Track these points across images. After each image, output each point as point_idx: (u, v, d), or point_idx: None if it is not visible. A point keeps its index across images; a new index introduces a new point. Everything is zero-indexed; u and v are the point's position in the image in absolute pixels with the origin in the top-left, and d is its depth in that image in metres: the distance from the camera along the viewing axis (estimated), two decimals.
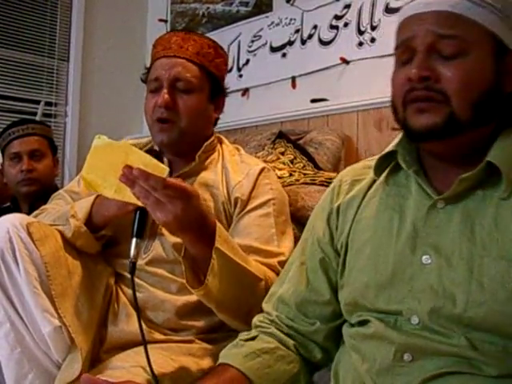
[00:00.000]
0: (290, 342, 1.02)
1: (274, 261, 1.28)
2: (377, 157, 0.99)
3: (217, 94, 1.45)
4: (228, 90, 1.52)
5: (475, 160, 0.86)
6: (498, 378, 0.79)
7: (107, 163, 1.07)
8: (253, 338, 1.03)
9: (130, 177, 1.00)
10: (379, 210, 0.96)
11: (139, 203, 1.07)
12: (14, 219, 1.23)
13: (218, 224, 1.13)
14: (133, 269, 1.04)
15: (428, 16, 0.85)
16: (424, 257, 0.87)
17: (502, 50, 0.86)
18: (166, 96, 1.35)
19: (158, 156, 1.28)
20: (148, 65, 1.48)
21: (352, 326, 0.97)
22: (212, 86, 1.43)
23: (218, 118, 1.51)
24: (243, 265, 1.17)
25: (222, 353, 1.02)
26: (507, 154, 0.85)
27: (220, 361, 1.00)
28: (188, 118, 1.37)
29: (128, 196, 1.08)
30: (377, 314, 0.90)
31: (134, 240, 1.05)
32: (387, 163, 0.98)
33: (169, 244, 1.32)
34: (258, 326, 1.06)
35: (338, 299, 1.01)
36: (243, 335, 1.05)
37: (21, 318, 1.20)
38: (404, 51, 0.89)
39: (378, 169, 0.98)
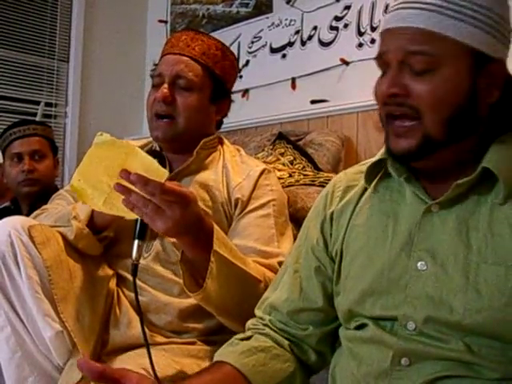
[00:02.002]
0: (285, 342, 1.02)
1: (273, 261, 1.28)
2: (368, 164, 0.98)
3: (220, 96, 1.44)
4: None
5: (468, 165, 0.86)
6: (496, 382, 0.79)
7: (103, 166, 1.02)
8: (248, 338, 1.03)
9: (127, 181, 0.98)
10: (373, 216, 0.95)
11: (129, 216, 1.04)
12: (16, 222, 1.22)
13: (216, 226, 1.13)
14: (135, 271, 1.03)
15: (400, 32, 0.85)
16: (419, 263, 0.86)
17: (482, 60, 0.84)
18: (165, 90, 1.36)
19: (160, 156, 1.28)
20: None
21: (349, 329, 0.97)
22: (215, 87, 1.42)
23: (221, 121, 1.51)
24: (242, 267, 1.16)
25: (218, 352, 1.02)
26: (503, 159, 0.85)
27: (215, 359, 1.00)
28: (185, 115, 1.37)
29: (117, 208, 1.04)
30: (374, 319, 0.90)
31: (135, 242, 1.04)
32: (379, 169, 0.97)
33: (170, 244, 1.32)
34: (252, 328, 1.06)
35: (333, 305, 1.00)
36: (238, 335, 1.04)
37: (22, 322, 1.19)
38: (381, 63, 0.90)
39: (369, 177, 0.97)
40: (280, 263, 1.26)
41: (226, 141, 1.52)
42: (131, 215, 1.04)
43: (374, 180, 0.98)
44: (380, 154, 0.96)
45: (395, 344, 0.85)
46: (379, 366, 0.86)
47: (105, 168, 1.01)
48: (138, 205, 1.00)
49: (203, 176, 1.40)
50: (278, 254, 1.30)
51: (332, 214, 1.01)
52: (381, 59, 0.89)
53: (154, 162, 1.01)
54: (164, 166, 1.24)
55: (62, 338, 1.19)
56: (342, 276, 0.98)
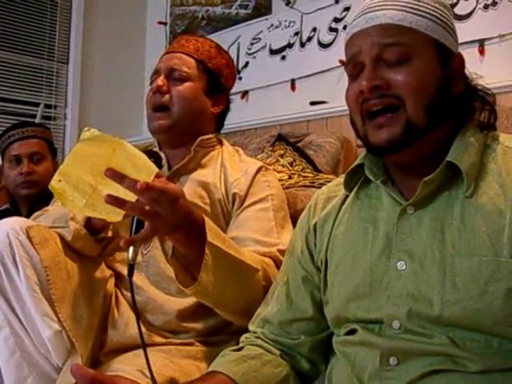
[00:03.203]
0: (277, 352, 1.04)
1: (273, 249, 1.28)
2: (346, 171, 1.00)
3: (215, 89, 1.47)
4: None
5: (437, 163, 0.88)
6: (482, 374, 0.80)
7: (87, 163, 0.97)
8: (239, 349, 1.05)
9: (112, 180, 0.95)
10: (353, 224, 0.97)
11: (111, 219, 1.02)
12: (14, 223, 1.21)
13: (206, 218, 1.12)
14: (131, 271, 1.03)
15: (371, 30, 0.90)
16: (399, 263, 0.88)
17: (445, 54, 0.90)
18: (160, 82, 1.40)
19: (155, 156, 1.27)
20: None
21: (340, 335, 0.98)
22: (210, 80, 1.45)
23: (221, 120, 1.52)
24: (238, 257, 1.15)
25: (212, 364, 1.03)
26: (465, 152, 0.88)
27: (209, 370, 1.01)
28: (180, 103, 1.40)
29: (100, 210, 1.00)
30: (361, 323, 0.92)
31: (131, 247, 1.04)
32: (357, 177, 1.00)
33: (168, 241, 1.32)
34: (244, 341, 1.08)
35: (323, 314, 1.02)
36: (230, 348, 1.06)
37: (20, 322, 1.19)
38: (353, 67, 0.93)
39: (349, 183, 1.00)
40: (280, 251, 1.26)
41: (225, 142, 1.53)
42: (113, 218, 1.02)
43: (354, 187, 1.01)
44: (358, 159, 0.99)
45: (382, 344, 0.87)
46: (370, 367, 0.88)
47: (89, 166, 0.98)
48: (125, 205, 0.98)
49: (201, 174, 1.41)
50: (277, 243, 1.30)
51: (315, 224, 1.05)
52: (352, 63, 0.93)
53: (142, 157, 0.97)
54: (160, 166, 1.24)
55: (60, 338, 1.19)
56: (328, 284, 1.00)
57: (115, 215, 1.01)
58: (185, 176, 1.40)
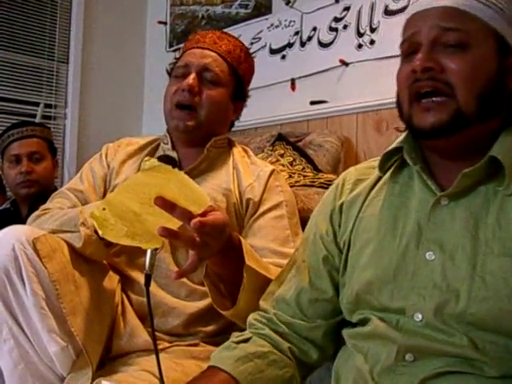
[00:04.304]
0: (285, 345, 1.02)
1: None
2: (384, 152, 0.99)
3: (239, 96, 1.46)
4: None
5: (479, 156, 0.86)
6: (499, 379, 0.79)
7: (137, 192, 0.96)
8: (246, 340, 1.02)
9: (162, 208, 0.93)
10: (383, 209, 0.96)
11: (147, 247, 0.99)
12: (20, 234, 1.18)
13: (242, 240, 1.12)
14: (148, 281, 0.99)
15: (432, 12, 0.88)
16: (428, 253, 0.87)
17: (504, 48, 0.88)
18: (192, 80, 1.36)
19: (172, 162, 1.25)
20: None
21: (352, 326, 0.97)
22: (236, 86, 1.44)
23: (233, 122, 1.53)
24: (267, 276, 1.15)
25: (213, 354, 1.01)
26: (509, 149, 0.86)
27: (211, 363, 0.99)
28: (208, 108, 1.37)
29: (139, 239, 0.98)
30: (379, 312, 0.90)
31: (149, 250, 1.00)
32: (391, 161, 0.99)
33: (181, 249, 1.31)
34: (253, 325, 1.05)
35: (339, 298, 1.01)
36: (236, 336, 1.04)
37: (25, 334, 1.17)
38: (409, 46, 0.91)
39: (383, 165, 0.99)
40: None
41: (234, 141, 1.53)
42: (151, 246, 1.00)
43: (388, 171, 0.99)
44: (396, 142, 0.97)
45: (400, 339, 0.86)
46: (383, 361, 0.87)
47: (139, 194, 0.96)
48: (179, 237, 0.97)
49: (215, 177, 1.40)
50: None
51: (342, 205, 1.03)
52: (408, 42, 0.91)
53: (198, 190, 0.96)
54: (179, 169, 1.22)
55: (67, 353, 1.17)
56: (348, 266, 0.98)
57: (154, 243, 0.99)
58: (198, 178, 1.37)
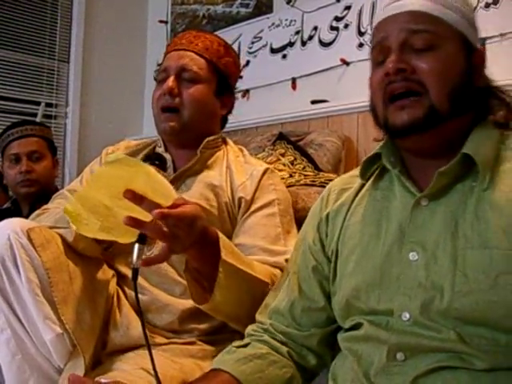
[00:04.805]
0: (284, 349, 1.03)
1: (280, 259, 1.28)
2: (363, 159, 1.01)
3: (224, 90, 1.46)
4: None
5: (454, 155, 0.89)
6: (488, 372, 0.80)
7: (107, 186, 0.97)
8: (245, 345, 1.04)
9: (131, 201, 0.94)
10: (366, 215, 0.98)
11: (124, 241, 1.01)
12: (15, 225, 1.20)
13: (220, 234, 1.12)
14: (135, 275, 1.00)
15: (400, 16, 0.92)
16: (411, 254, 0.89)
17: (469, 48, 0.93)
18: (171, 83, 1.38)
19: (160, 159, 1.26)
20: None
21: (346, 330, 0.98)
22: (219, 81, 1.44)
23: (225, 118, 1.52)
24: (250, 272, 1.15)
25: (215, 360, 1.03)
26: (481, 145, 0.89)
27: (212, 367, 1.01)
28: (191, 106, 1.38)
29: (113, 233, 1.00)
30: (369, 316, 0.92)
31: (136, 245, 1.00)
32: (373, 168, 1.01)
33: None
34: (251, 335, 1.07)
35: (332, 306, 1.02)
36: (236, 343, 1.05)
37: (22, 324, 1.18)
38: (379, 51, 0.95)
39: (364, 172, 1.01)
40: (287, 260, 1.26)
41: (229, 141, 1.53)
42: (126, 239, 1.01)
43: (370, 178, 1.01)
44: (375, 149, 0.99)
45: (390, 339, 0.87)
46: (376, 362, 0.88)
47: (109, 188, 0.98)
48: (144, 226, 0.97)
49: (207, 176, 1.40)
50: (284, 251, 1.30)
51: (328, 215, 1.05)
52: (378, 47, 0.95)
53: (164, 182, 0.98)
54: (164, 169, 1.23)
55: (62, 340, 1.18)
56: (337, 274, 1.00)
57: (129, 237, 1.01)
58: (191, 178, 1.39)
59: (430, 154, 0.93)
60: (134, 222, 0.95)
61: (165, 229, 0.98)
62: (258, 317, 1.10)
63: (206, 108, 1.42)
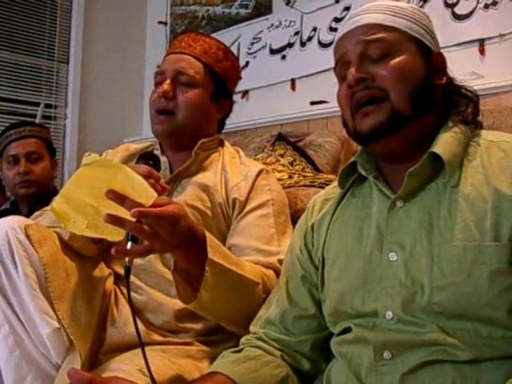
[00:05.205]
0: (277, 353, 1.05)
1: (273, 259, 1.28)
2: (340, 170, 1.05)
3: (221, 95, 1.46)
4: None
5: (423, 155, 0.91)
6: (472, 363, 0.82)
7: (89, 187, 1.00)
8: (239, 351, 1.06)
9: (113, 201, 0.96)
10: (349, 222, 1.01)
11: (112, 238, 1.03)
12: (12, 222, 1.21)
13: (208, 234, 1.12)
14: (127, 273, 1.02)
15: (355, 31, 0.98)
16: (390, 254, 0.91)
17: (426, 50, 0.97)
18: (166, 86, 1.38)
19: (153, 159, 1.27)
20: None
21: (337, 335, 1.00)
22: (216, 85, 1.44)
23: (223, 121, 1.52)
24: (238, 271, 1.15)
25: (211, 367, 1.04)
26: (449, 144, 0.92)
27: (208, 371, 1.02)
28: (185, 110, 1.39)
29: (101, 231, 1.02)
30: (356, 319, 0.94)
31: (129, 244, 1.01)
32: (352, 177, 1.04)
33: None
34: (245, 343, 1.09)
35: (322, 313, 1.04)
36: (230, 349, 1.07)
37: (19, 320, 1.19)
38: (341, 67, 0.99)
39: (343, 181, 1.04)
40: (280, 261, 1.26)
41: (226, 142, 1.53)
42: (115, 237, 1.03)
43: (350, 188, 1.05)
44: (352, 158, 1.03)
45: (375, 338, 0.89)
46: (365, 363, 0.90)
47: (91, 189, 1.00)
48: (125, 224, 0.99)
49: (202, 177, 1.40)
50: (278, 252, 1.30)
51: (313, 225, 1.09)
52: (340, 64, 1.00)
53: (142, 182, 0.99)
54: (158, 169, 1.24)
55: (59, 336, 1.18)
56: (325, 282, 1.03)
57: (117, 235, 1.03)
58: (186, 179, 1.40)
59: (401, 157, 0.96)
60: (113, 220, 0.97)
61: (146, 227, 0.98)
62: (251, 328, 1.12)
63: (201, 112, 1.42)
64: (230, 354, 1.04)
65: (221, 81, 1.45)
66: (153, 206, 0.99)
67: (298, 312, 1.06)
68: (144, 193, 0.98)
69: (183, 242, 1.05)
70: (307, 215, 1.12)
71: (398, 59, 0.94)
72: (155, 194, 1.00)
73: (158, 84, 1.43)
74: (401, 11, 0.98)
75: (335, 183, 1.10)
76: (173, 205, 1.03)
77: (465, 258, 0.84)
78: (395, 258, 0.91)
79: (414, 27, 0.97)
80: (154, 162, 1.24)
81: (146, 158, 1.26)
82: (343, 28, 1.01)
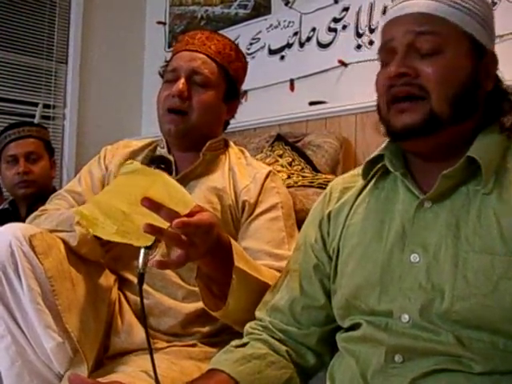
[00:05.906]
0: (283, 348, 1.03)
1: (285, 263, 1.28)
2: (366, 159, 1.01)
3: (231, 96, 1.45)
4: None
5: (459, 157, 0.88)
6: (485, 375, 0.80)
7: (124, 192, 0.99)
8: (243, 345, 1.04)
9: (149, 209, 0.95)
10: (369, 215, 0.98)
11: (139, 243, 1.01)
12: (17, 230, 1.18)
13: (233, 240, 1.12)
14: (141, 280, 1.00)
15: (406, 18, 0.91)
16: (412, 256, 0.89)
17: (479, 50, 0.91)
18: (182, 86, 1.35)
19: (165, 162, 1.25)
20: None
21: (344, 331, 0.98)
22: (228, 87, 1.43)
23: (228, 122, 1.52)
24: (259, 277, 1.15)
25: (213, 359, 1.02)
26: (486, 149, 0.88)
27: (210, 367, 1.00)
28: (199, 112, 1.36)
29: (130, 236, 1.01)
30: (368, 316, 0.92)
31: (142, 250, 1.00)
32: (375, 168, 1.00)
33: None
34: (250, 333, 1.07)
35: (332, 304, 1.02)
36: (234, 342, 1.05)
37: (22, 331, 1.17)
38: (385, 53, 0.94)
39: (366, 172, 1.01)
40: None
41: (231, 143, 1.52)
42: (142, 243, 1.01)
43: (372, 179, 1.01)
44: (378, 150, 0.99)
45: (388, 341, 0.87)
46: (374, 363, 0.88)
47: (126, 195, 0.99)
48: (163, 234, 0.97)
49: (210, 179, 1.39)
50: (288, 256, 1.29)
51: (330, 213, 1.05)
52: (385, 49, 0.94)
53: (181, 190, 0.98)
54: (170, 172, 1.22)
55: (63, 349, 1.17)
56: (338, 274, 1.00)
57: (144, 241, 1.01)
58: (194, 181, 1.38)
59: (433, 157, 0.92)
60: (153, 230, 0.95)
61: (183, 237, 0.98)
62: (256, 313, 1.09)
63: (213, 113, 1.41)
64: (233, 350, 1.02)
65: (233, 82, 1.44)
66: (188, 214, 0.98)
67: (307, 302, 1.04)
68: (182, 200, 0.98)
69: (211, 249, 1.04)
70: (324, 203, 1.08)
71: (447, 57, 0.88)
72: (193, 202, 0.99)
73: (169, 81, 1.39)
74: (458, 1, 0.90)
75: (354, 171, 1.08)
76: (206, 213, 1.02)
77: (492, 271, 0.81)
78: (417, 259, 0.88)
79: (470, 21, 0.90)
80: (167, 166, 1.22)
81: (158, 161, 1.24)
82: (392, 12, 0.94)
